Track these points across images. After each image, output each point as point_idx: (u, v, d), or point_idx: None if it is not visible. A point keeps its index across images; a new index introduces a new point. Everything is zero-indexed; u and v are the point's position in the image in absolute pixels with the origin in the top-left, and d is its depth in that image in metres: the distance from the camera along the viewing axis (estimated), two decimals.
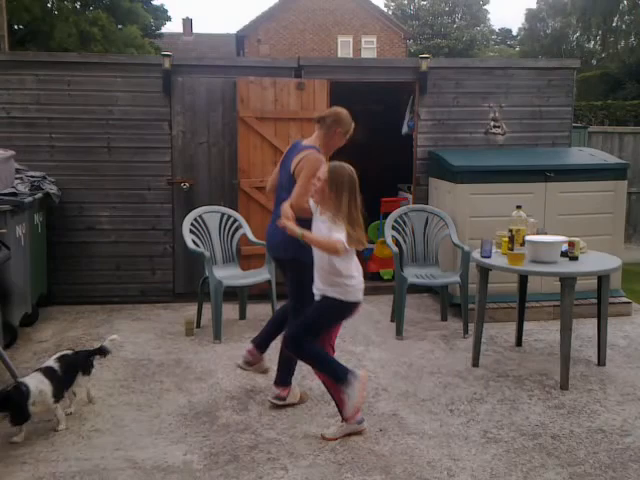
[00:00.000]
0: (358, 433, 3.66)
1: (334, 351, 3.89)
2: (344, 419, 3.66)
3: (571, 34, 33.92)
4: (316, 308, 3.66)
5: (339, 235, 3.40)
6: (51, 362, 3.80)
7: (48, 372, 3.69)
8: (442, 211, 5.88)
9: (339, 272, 3.52)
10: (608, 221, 6.04)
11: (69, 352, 3.96)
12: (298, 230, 3.49)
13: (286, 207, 3.64)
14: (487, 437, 3.66)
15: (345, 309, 3.60)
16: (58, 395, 3.67)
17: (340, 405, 3.66)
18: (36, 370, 3.75)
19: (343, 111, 4.03)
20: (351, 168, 3.55)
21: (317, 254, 3.58)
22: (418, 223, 5.89)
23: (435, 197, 6.43)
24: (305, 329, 3.64)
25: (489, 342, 5.19)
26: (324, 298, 3.59)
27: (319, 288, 3.62)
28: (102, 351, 4.04)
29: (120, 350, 5.02)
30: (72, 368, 3.85)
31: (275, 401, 4.07)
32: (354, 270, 3.57)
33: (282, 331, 4.02)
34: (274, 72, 6.34)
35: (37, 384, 3.56)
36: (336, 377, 3.61)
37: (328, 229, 3.46)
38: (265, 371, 4.34)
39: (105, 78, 6.14)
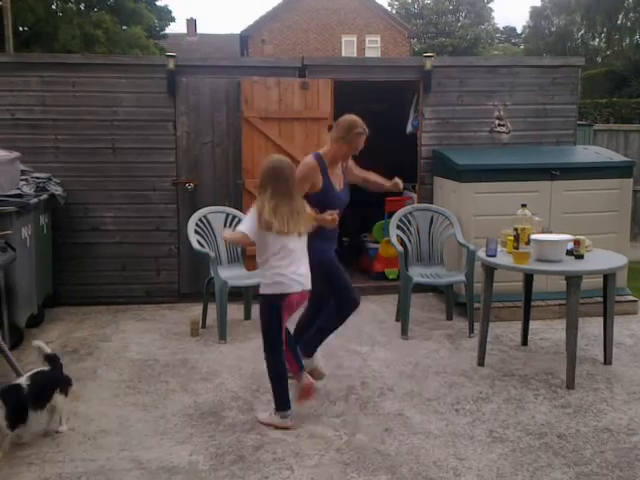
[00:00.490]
0: (284, 427, 3.72)
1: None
2: (260, 420, 3.81)
3: (576, 32, 33.81)
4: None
5: (240, 227, 3.67)
6: (22, 380, 3.53)
7: (8, 393, 3.39)
8: (447, 210, 5.87)
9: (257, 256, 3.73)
10: (614, 219, 6.02)
11: (46, 369, 3.69)
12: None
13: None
14: (493, 436, 3.65)
15: (271, 302, 3.68)
16: (15, 419, 3.35)
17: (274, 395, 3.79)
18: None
19: (343, 118, 4.10)
20: (280, 160, 3.70)
21: None
22: (423, 222, 5.88)
23: (440, 196, 6.42)
24: (264, 340, 3.76)
25: (495, 341, 5.18)
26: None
27: None
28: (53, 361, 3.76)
29: (126, 351, 5.04)
30: (48, 386, 3.61)
31: None
32: (267, 255, 3.65)
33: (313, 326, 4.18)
34: (278, 72, 6.33)
35: None
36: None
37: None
38: (320, 376, 4.21)
39: (109, 79, 6.15)
